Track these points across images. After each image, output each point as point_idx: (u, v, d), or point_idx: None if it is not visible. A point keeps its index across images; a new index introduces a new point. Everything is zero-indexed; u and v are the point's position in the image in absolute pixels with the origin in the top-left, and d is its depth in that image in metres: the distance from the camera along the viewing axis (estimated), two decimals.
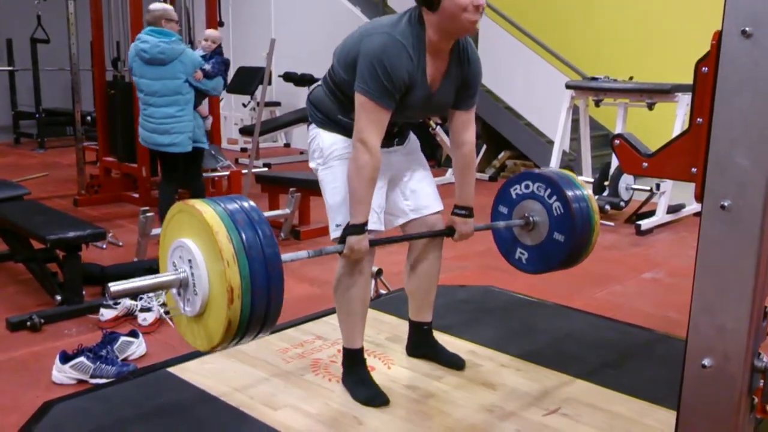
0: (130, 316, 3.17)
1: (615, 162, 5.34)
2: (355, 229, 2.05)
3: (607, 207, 5.10)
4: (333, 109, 2.19)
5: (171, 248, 1.75)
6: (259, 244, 1.65)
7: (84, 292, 3.32)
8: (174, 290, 1.76)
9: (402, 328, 2.63)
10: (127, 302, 3.17)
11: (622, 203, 5.21)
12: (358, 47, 2.03)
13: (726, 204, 1.17)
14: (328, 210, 2.21)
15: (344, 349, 2.32)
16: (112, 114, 5.75)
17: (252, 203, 1.75)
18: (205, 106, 4.78)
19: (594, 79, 5.61)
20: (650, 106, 5.26)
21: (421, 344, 2.54)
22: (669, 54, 6.54)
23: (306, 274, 3.87)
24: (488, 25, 7.15)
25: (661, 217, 5.04)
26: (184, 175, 4.34)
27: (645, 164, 1.31)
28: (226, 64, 5.07)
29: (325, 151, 2.20)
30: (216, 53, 4.97)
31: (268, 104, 8.67)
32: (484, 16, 7.35)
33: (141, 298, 3.18)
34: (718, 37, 1.19)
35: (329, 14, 8.35)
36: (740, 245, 1.17)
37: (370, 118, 2.01)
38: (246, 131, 7.61)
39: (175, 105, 4.18)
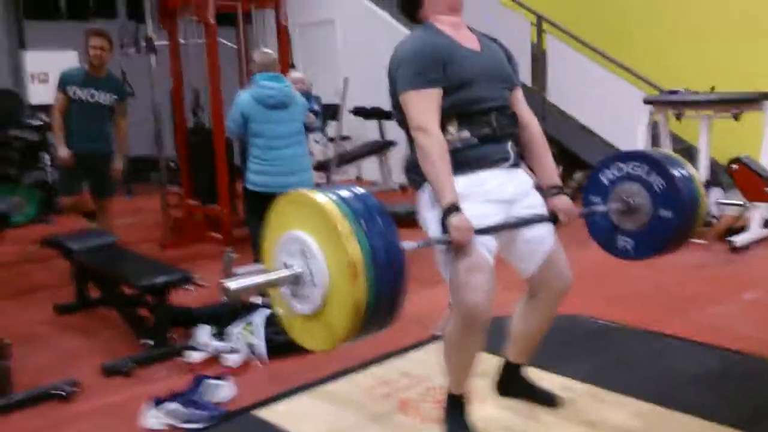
0: (218, 358, 3.21)
1: (703, 177, 5.11)
2: (450, 210, 1.98)
3: None
4: None
5: (278, 245, 1.72)
6: (376, 221, 1.63)
7: (173, 335, 3.39)
8: (285, 290, 1.72)
9: (490, 362, 2.54)
10: (215, 344, 3.21)
11: (713, 219, 4.96)
12: (391, 76, 2.12)
13: None
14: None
15: (449, 394, 2.24)
16: (193, 159, 5.93)
17: (362, 189, 1.73)
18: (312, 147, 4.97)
19: (673, 92, 5.41)
20: (736, 117, 5.01)
21: (513, 382, 2.44)
22: (752, 60, 6.24)
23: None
24: (554, 43, 7.05)
25: (755, 232, 4.76)
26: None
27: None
28: (319, 101, 5.30)
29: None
30: (308, 94, 5.17)
31: (336, 139, 8.77)
32: (549, 33, 7.25)
33: (226, 340, 3.22)
34: None
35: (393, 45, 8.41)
36: None
37: (419, 106, 2.03)
38: (320, 167, 7.72)
39: (299, 145, 4.35)
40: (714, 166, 5.63)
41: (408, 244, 1.82)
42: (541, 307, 2.27)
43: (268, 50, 4.53)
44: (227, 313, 3.42)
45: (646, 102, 5.41)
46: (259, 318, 3.25)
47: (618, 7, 7.20)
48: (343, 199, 1.64)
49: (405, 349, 2.93)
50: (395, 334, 3.29)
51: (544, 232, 2.22)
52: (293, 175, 4.23)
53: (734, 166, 1.13)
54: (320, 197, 1.64)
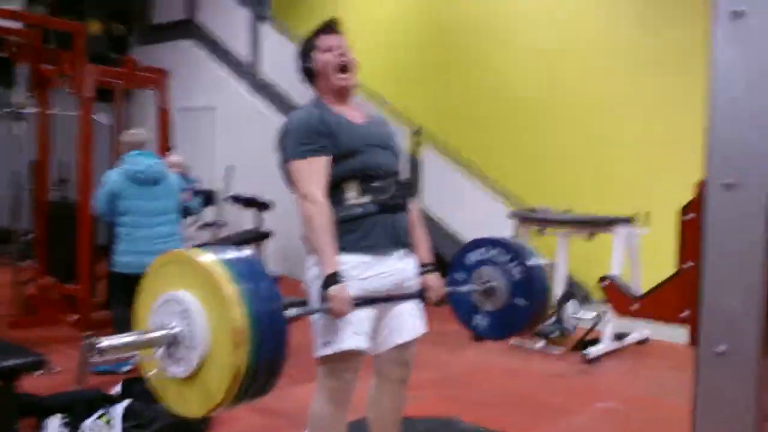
0: None
1: (561, 289, 5.47)
2: (331, 278, 2.02)
3: (554, 334, 5.16)
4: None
5: (156, 305, 1.65)
6: (261, 286, 1.60)
7: (20, 427, 3.06)
8: (159, 351, 1.62)
9: None
10: None
11: (569, 330, 5.29)
12: (279, 145, 2.20)
13: (721, 350, 1.21)
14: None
15: None
16: (54, 234, 5.58)
17: (248, 252, 1.70)
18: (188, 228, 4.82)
19: (533, 210, 5.85)
20: (590, 236, 5.48)
21: None
22: (603, 187, 6.91)
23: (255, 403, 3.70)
24: (431, 154, 7.45)
25: (607, 345, 5.12)
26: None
27: (635, 306, 1.35)
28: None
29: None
30: (185, 174, 5.11)
31: (211, 225, 8.63)
32: (427, 145, 7.64)
33: (78, 428, 2.96)
34: (701, 188, 1.27)
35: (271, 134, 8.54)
36: (738, 392, 1.20)
37: (305, 175, 2.10)
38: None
39: (170, 224, 4.20)
40: (570, 280, 6.06)
41: (287, 312, 1.80)
42: (386, 394, 2.36)
43: (139, 131, 4.46)
44: (83, 403, 3.16)
45: (512, 216, 5.79)
46: (118, 410, 3.03)
47: (490, 125, 7.77)
48: (229, 260, 1.62)
49: None
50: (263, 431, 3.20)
51: (417, 322, 2.32)
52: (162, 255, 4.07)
53: (605, 282, 1.26)
54: (205, 257, 1.61)
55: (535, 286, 2.39)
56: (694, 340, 1.25)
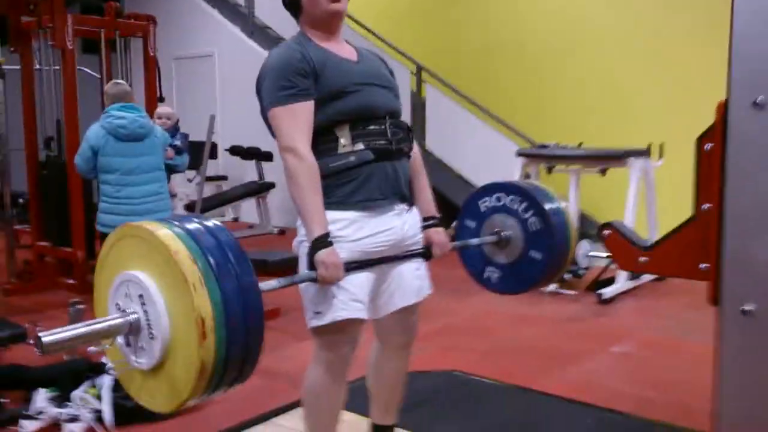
0: (56, 427, 2.81)
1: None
2: (319, 242, 1.78)
3: (567, 275, 4.95)
4: None
5: (113, 287, 1.46)
6: (230, 263, 1.39)
7: (6, 400, 2.94)
8: (121, 340, 1.45)
9: (361, 426, 2.35)
10: (51, 411, 2.81)
11: (581, 271, 5.08)
12: (258, 90, 1.93)
13: (748, 308, 0.98)
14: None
15: None
16: (45, 196, 5.40)
17: (217, 222, 1.49)
18: (172, 183, 4.60)
19: (544, 146, 5.56)
20: (603, 172, 5.22)
21: None
22: (617, 117, 6.58)
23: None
24: (434, 93, 7.15)
25: (622, 284, 4.92)
26: None
27: (643, 259, 1.13)
28: (186, 138, 5.01)
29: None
30: (176, 129, 4.91)
31: (214, 178, 8.44)
32: (428, 84, 7.35)
33: (67, 406, 2.83)
34: (723, 109, 1.02)
35: None
36: None
37: (287, 124, 1.84)
38: (190, 207, 7.33)
39: (157, 182, 3.95)
40: (582, 218, 5.82)
41: (267, 283, 1.60)
42: (389, 360, 2.17)
43: (121, 81, 4.20)
44: (69, 373, 3.02)
45: (519, 155, 5.52)
46: (106, 380, 2.89)
47: (496, 62, 7.41)
48: (191, 234, 1.40)
49: (273, 413, 2.69)
50: (261, 394, 3.06)
51: (420, 283, 2.09)
52: (149, 214, 3.85)
53: (606, 232, 1.06)
54: (164, 231, 1.39)
55: (553, 237, 2.17)
56: (715, 298, 1.03)
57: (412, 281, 2.06)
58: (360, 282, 1.90)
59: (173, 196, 4.50)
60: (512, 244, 2.25)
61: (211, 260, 1.37)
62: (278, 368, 3.26)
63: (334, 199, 1.87)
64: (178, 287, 1.35)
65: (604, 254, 4.85)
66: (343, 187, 1.88)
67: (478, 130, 6.84)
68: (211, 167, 8.25)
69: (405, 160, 2.01)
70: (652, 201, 5.16)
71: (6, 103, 5.24)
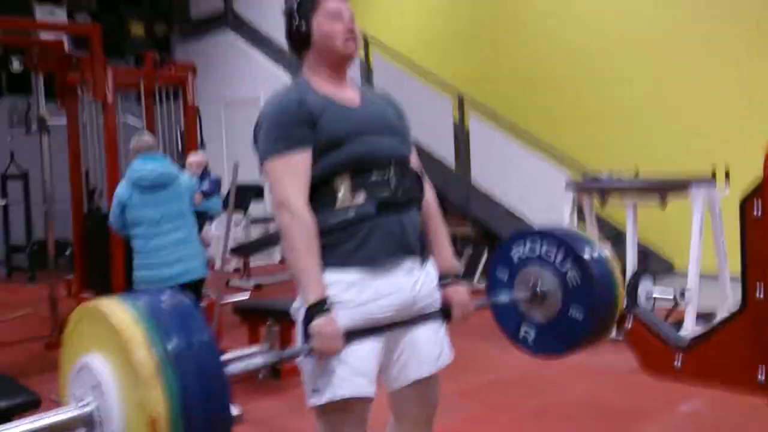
0: None
1: (631, 264, 4.88)
2: (315, 309, 1.59)
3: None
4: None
5: (73, 372, 1.33)
6: (192, 347, 1.24)
7: None
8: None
9: None
10: None
11: None
12: (254, 139, 1.78)
13: None
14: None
15: None
16: (89, 247, 5.42)
17: (183, 298, 1.34)
18: (208, 233, 4.54)
19: (595, 178, 5.19)
20: (663, 203, 4.79)
21: None
22: (677, 141, 6.19)
23: None
24: (477, 123, 6.94)
25: (692, 330, 4.46)
26: None
27: (678, 362, 0.87)
28: (218, 183, 4.98)
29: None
30: (205, 173, 4.90)
31: (261, 220, 8.41)
32: (471, 115, 7.14)
33: None
34: None
35: None
36: None
37: (282, 176, 1.67)
38: (238, 251, 7.28)
39: (184, 228, 3.84)
40: (643, 253, 5.44)
41: (234, 366, 1.43)
42: None
43: (146, 134, 4.17)
44: None
45: (568, 187, 5.18)
46: None
47: (541, 88, 7.15)
48: (152, 312, 1.25)
49: None
50: None
51: (439, 350, 1.84)
52: (179, 263, 3.75)
53: (628, 324, 0.82)
54: (121, 314, 1.24)
55: (594, 293, 1.92)
56: None
57: (429, 349, 1.82)
58: (364, 353, 1.68)
59: (207, 245, 4.40)
60: (549, 301, 2.00)
61: (171, 347, 1.21)
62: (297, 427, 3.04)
63: (332, 260, 1.67)
64: (129, 378, 1.20)
65: (670, 295, 4.46)
66: (342, 246, 1.69)
67: (527, 159, 6.57)
68: (259, 209, 8.22)
69: (414, 210, 1.80)
70: (719, 234, 4.68)
71: (51, 157, 5.31)
